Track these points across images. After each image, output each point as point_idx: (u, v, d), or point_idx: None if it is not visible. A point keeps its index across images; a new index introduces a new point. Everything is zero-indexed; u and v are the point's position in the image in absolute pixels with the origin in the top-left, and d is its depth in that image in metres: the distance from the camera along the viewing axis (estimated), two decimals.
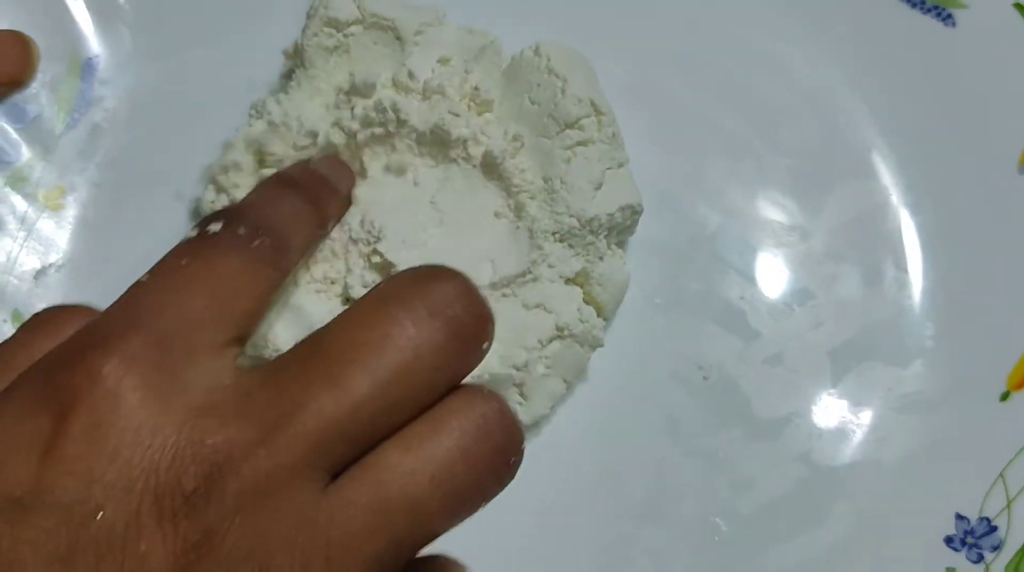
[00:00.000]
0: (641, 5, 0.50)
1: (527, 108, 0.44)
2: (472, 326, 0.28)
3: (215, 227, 0.31)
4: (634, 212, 0.44)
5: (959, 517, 0.44)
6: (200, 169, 0.47)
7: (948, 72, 0.48)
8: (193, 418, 0.25)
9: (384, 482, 0.26)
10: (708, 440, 0.45)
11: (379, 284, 0.28)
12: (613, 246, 0.45)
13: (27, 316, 0.46)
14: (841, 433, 0.46)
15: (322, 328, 0.27)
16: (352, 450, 0.26)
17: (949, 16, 0.48)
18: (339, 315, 0.27)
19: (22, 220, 0.47)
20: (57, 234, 0.47)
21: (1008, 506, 0.44)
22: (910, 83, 0.48)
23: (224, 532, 0.24)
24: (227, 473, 0.24)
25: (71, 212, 0.48)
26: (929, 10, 0.48)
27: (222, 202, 0.44)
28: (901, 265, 0.47)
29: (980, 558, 0.43)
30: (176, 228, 0.48)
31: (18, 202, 0.47)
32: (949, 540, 0.44)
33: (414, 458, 0.26)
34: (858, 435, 0.46)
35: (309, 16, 0.45)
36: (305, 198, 0.38)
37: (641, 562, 0.44)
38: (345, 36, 0.45)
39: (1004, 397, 0.45)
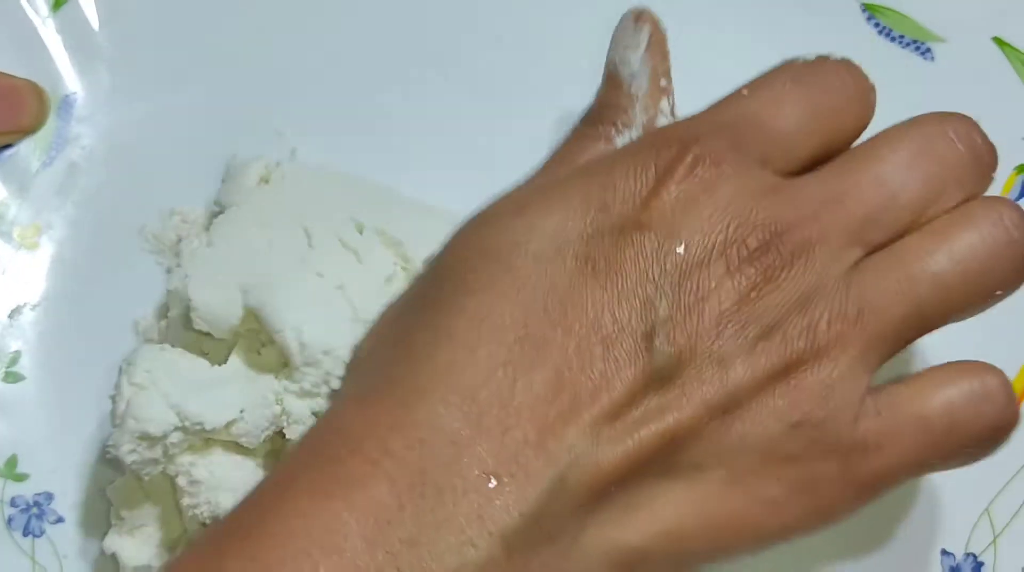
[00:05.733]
0: None
1: None
2: (987, 157, 0.35)
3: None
4: None
5: (944, 553, 0.44)
6: (177, 208, 0.47)
7: (928, 106, 0.47)
8: (757, 199, 0.32)
9: (909, 260, 0.33)
10: None
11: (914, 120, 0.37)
12: None
13: (0, 356, 0.46)
14: None
15: (869, 142, 0.36)
16: (883, 237, 0.33)
17: (928, 50, 0.48)
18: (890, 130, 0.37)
19: None
20: (32, 272, 0.47)
21: (994, 541, 0.43)
22: (890, 117, 0.48)
23: (779, 279, 0.31)
24: (784, 236, 0.32)
25: (46, 250, 0.47)
26: (908, 44, 0.48)
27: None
28: None
29: None
30: (153, 268, 0.48)
31: None
32: None
33: (938, 242, 0.33)
34: None
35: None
36: None
37: None
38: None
39: None
